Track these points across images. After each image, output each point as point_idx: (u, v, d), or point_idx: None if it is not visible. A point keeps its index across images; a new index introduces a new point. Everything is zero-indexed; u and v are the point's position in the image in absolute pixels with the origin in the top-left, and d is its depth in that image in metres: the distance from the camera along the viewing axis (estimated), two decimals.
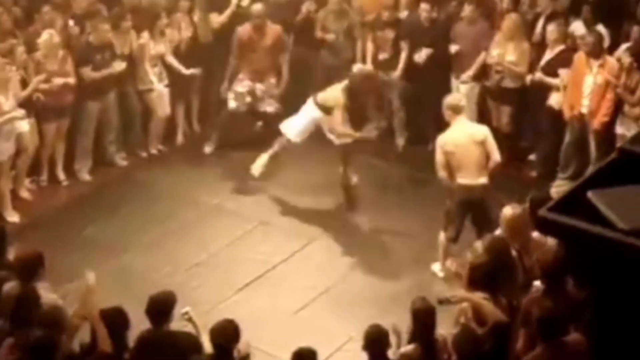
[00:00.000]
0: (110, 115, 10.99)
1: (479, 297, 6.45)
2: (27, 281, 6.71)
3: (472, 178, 8.73)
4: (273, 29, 11.29)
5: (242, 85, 11.25)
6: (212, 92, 11.91)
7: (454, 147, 8.75)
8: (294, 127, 10.21)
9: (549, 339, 5.79)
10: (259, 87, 11.25)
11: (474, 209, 8.82)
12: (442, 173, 8.84)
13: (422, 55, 11.22)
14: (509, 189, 9.58)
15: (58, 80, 10.25)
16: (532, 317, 6.01)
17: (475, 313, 6.40)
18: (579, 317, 5.75)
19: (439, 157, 8.81)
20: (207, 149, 11.58)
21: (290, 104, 10.98)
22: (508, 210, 7.43)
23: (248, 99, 11.25)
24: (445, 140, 8.81)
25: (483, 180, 8.78)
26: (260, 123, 11.75)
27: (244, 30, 11.26)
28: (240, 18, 11.59)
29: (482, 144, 8.82)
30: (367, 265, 9.38)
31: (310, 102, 10.13)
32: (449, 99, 9.15)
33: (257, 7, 11.21)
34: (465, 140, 8.78)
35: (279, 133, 10.48)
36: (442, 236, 9.02)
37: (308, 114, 10.13)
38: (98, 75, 10.63)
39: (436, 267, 9.15)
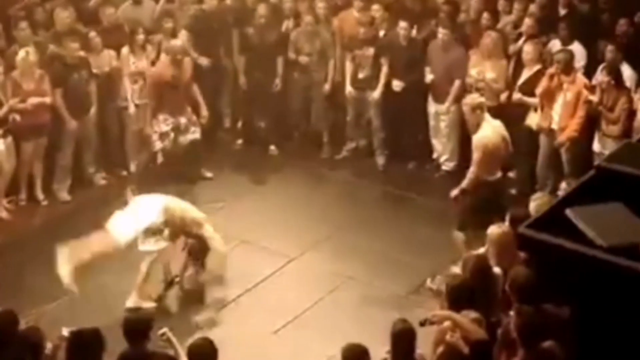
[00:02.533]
0: (89, 134, 10.97)
1: (459, 315, 6.44)
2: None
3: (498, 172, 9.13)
4: (187, 62, 11.11)
5: (166, 123, 11.06)
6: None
7: (493, 144, 8.99)
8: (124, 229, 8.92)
9: (530, 346, 5.76)
10: (181, 119, 11.08)
11: (496, 202, 9.00)
12: (479, 171, 9.02)
13: (399, 84, 11.25)
14: None
15: (33, 100, 10.22)
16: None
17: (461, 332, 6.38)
18: (556, 334, 5.75)
19: (479, 157, 8.96)
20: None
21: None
22: (495, 229, 7.40)
23: (172, 136, 11.08)
24: (489, 139, 8.96)
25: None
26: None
27: (163, 67, 11.00)
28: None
29: (505, 137, 9.14)
30: (347, 284, 9.36)
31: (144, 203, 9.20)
32: (471, 101, 9.28)
33: (177, 42, 11.16)
34: (497, 136, 9.05)
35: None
36: (460, 236, 9.12)
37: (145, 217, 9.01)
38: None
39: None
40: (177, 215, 8.99)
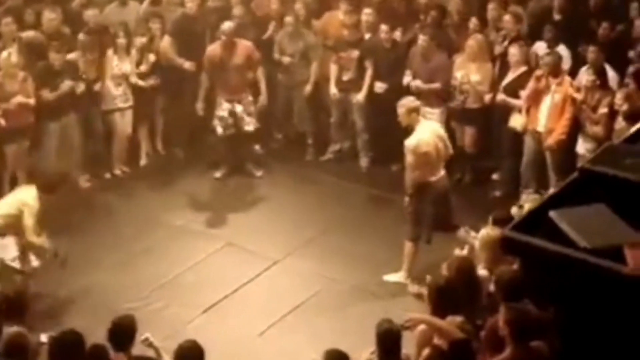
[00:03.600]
0: (71, 136, 10.93)
1: (433, 318, 6.45)
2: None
3: (439, 172, 9.18)
4: (243, 46, 11.23)
5: (222, 109, 11.19)
6: (177, 113, 11.90)
7: (427, 147, 9.01)
8: None
9: (520, 341, 5.76)
10: (238, 107, 11.21)
11: (441, 203, 9.15)
12: (416, 174, 9.06)
13: (381, 86, 11.27)
14: (473, 208, 9.65)
15: (16, 99, 10.19)
16: (497, 337, 6.00)
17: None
18: (543, 334, 5.76)
19: (412, 159, 9.02)
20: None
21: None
22: (486, 232, 7.40)
23: (231, 121, 11.20)
24: (419, 142, 9.00)
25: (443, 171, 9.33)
26: (257, 146, 11.77)
27: (213, 49, 11.24)
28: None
29: (442, 137, 9.26)
30: (331, 286, 9.37)
31: None
32: (407, 103, 9.37)
33: (227, 24, 11.18)
34: (433, 138, 9.11)
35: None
36: (409, 246, 9.19)
37: None
38: (54, 96, 10.56)
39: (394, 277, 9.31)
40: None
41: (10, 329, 6.41)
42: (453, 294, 6.63)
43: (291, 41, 11.70)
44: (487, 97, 10.79)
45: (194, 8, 11.70)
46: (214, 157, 11.71)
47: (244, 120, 11.20)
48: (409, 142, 9.08)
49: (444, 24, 11.53)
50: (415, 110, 9.24)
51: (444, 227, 9.18)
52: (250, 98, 11.31)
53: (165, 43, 11.52)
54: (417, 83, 10.99)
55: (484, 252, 7.31)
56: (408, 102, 9.42)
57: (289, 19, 11.65)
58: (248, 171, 11.56)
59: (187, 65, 11.55)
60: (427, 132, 9.16)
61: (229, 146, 11.48)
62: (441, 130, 9.41)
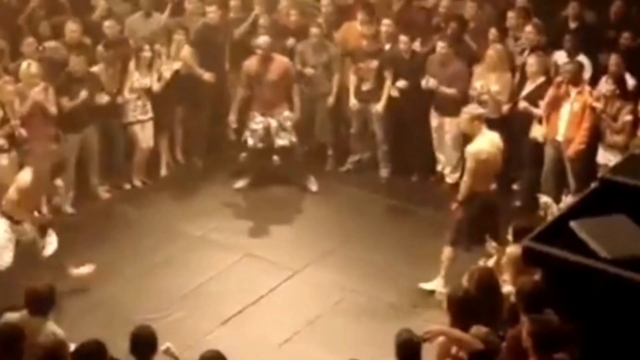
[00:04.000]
0: (91, 147, 10.97)
1: (452, 329, 6.42)
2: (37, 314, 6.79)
3: (491, 184, 9.12)
4: (280, 61, 11.23)
5: (256, 122, 11.18)
6: (196, 124, 11.94)
7: (486, 155, 8.97)
8: None
9: (543, 353, 5.72)
10: (272, 122, 11.18)
11: (489, 215, 9.04)
12: (472, 181, 9.00)
13: (399, 85, 11.25)
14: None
15: (30, 100, 10.18)
16: (519, 347, 5.96)
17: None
18: (566, 346, 5.73)
19: (472, 166, 8.97)
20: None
21: None
22: (512, 249, 7.32)
23: (264, 135, 11.18)
24: (481, 149, 8.97)
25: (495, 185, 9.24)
26: (276, 158, 11.58)
27: (250, 62, 11.21)
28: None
29: (500, 149, 9.14)
30: (351, 296, 9.35)
31: None
32: (470, 110, 9.32)
33: (263, 39, 11.19)
34: (492, 148, 9.05)
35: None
36: (448, 251, 9.12)
37: None
38: (72, 104, 10.59)
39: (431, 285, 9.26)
40: None
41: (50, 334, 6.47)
42: (472, 304, 6.60)
43: (315, 53, 11.69)
44: (505, 108, 10.75)
45: (216, 18, 11.74)
46: (237, 167, 11.70)
47: (279, 135, 11.19)
48: (471, 148, 9.04)
49: (464, 34, 11.52)
50: (478, 118, 9.15)
51: (484, 240, 9.05)
52: (287, 113, 11.25)
53: (186, 52, 11.55)
54: (434, 83, 10.96)
55: (509, 269, 7.29)
56: (471, 109, 9.39)
57: (314, 30, 11.64)
58: (303, 185, 11.50)
59: (207, 76, 11.57)
60: (488, 141, 9.09)
61: (254, 159, 11.44)
62: (500, 142, 9.27)
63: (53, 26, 11.60)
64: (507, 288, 7.11)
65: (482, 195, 9.03)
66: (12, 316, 6.87)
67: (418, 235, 10.29)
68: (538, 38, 10.99)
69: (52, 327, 6.77)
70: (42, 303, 6.86)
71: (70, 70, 10.69)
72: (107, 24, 11.42)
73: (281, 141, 11.18)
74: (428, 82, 10.99)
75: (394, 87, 11.31)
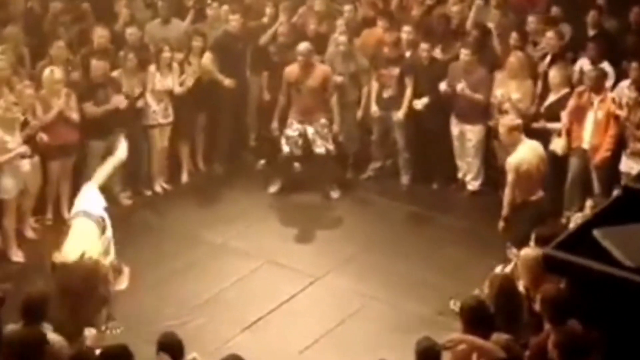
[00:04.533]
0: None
1: (474, 337, 6.38)
2: (33, 323, 6.69)
3: (539, 192, 9.13)
4: (321, 69, 11.24)
5: (292, 129, 11.18)
6: (218, 131, 11.97)
7: (528, 165, 8.98)
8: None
9: None
10: (309, 129, 11.20)
11: (539, 222, 8.90)
12: (515, 193, 9.03)
13: (422, 102, 11.25)
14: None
15: (55, 110, 10.23)
16: (543, 356, 5.92)
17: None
18: (592, 355, 5.69)
19: (513, 178, 8.99)
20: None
21: None
22: (526, 251, 7.31)
23: (300, 143, 11.20)
24: (522, 161, 8.97)
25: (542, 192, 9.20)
26: (297, 164, 11.63)
27: (291, 69, 11.22)
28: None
29: (542, 157, 9.18)
30: (372, 304, 9.34)
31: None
32: (507, 121, 9.32)
33: (303, 45, 11.17)
34: (534, 157, 9.06)
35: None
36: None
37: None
38: (99, 111, 10.66)
39: None
40: None
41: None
42: (486, 312, 6.56)
43: (343, 61, 11.67)
44: (532, 107, 10.68)
45: (237, 26, 11.77)
46: (258, 176, 11.70)
47: (315, 143, 11.19)
48: (511, 160, 9.04)
49: (487, 41, 11.49)
50: (516, 129, 9.17)
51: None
52: (323, 120, 11.25)
53: (207, 60, 11.59)
54: (463, 86, 10.94)
55: (523, 271, 7.25)
56: (508, 120, 9.39)
57: (342, 38, 11.64)
58: (325, 193, 11.50)
59: (227, 82, 11.60)
60: (529, 150, 9.09)
61: (286, 165, 11.47)
62: (541, 149, 9.30)
63: (80, 32, 11.68)
64: (522, 290, 7.10)
65: (532, 203, 9.04)
66: (12, 327, 6.75)
67: (439, 243, 10.27)
68: (560, 44, 10.95)
69: (50, 336, 6.66)
70: (36, 310, 6.77)
71: (91, 75, 10.74)
72: (129, 30, 11.47)
73: (318, 149, 11.19)
74: (456, 86, 10.96)
75: (417, 102, 11.28)
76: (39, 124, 10.12)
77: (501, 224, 9.14)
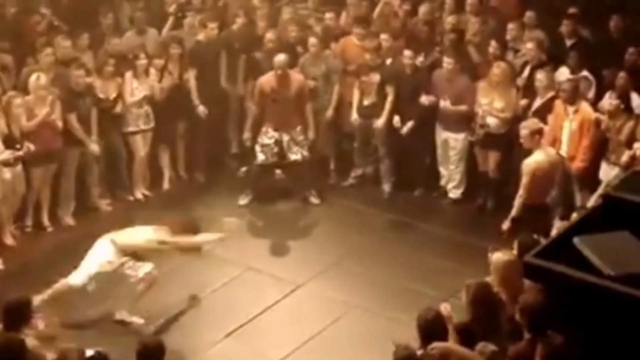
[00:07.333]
0: (91, 158, 10.96)
1: (456, 345, 6.37)
2: (12, 329, 6.64)
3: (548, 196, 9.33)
4: (296, 79, 11.25)
5: (268, 137, 11.20)
6: (197, 139, 11.94)
7: (542, 171, 9.08)
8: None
9: None
10: (285, 136, 11.21)
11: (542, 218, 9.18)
12: (528, 196, 9.11)
13: (407, 126, 11.27)
14: (497, 233, 9.58)
15: (37, 119, 10.20)
16: None
17: None
18: None
19: (527, 181, 9.08)
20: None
21: None
22: (501, 257, 7.31)
23: (275, 150, 11.21)
24: (538, 165, 9.07)
25: None
26: (278, 171, 11.65)
27: (267, 80, 11.21)
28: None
29: (556, 163, 9.32)
30: (353, 312, 9.33)
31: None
32: (530, 125, 9.35)
33: (280, 57, 11.14)
34: (549, 162, 9.17)
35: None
36: None
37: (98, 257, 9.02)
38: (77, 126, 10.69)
39: None
40: (136, 244, 9.04)
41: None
42: (441, 328, 6.50)
43: (314, 64, 11.70)
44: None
45: (209, 36, 11.77)
46: (239, 183, 11.69)
47: (291, 149, 11.20)
48: (528, 163, 9.11)
49: (464, 47, 11.50)
50: (538, 132, 9.24)
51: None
52: (299, 128, 11.27)
53: (192, 78, 11.62)
54: (447, 104, 10.97)
55: (493, 274, 7.26)
56: (531, 124, 9.41)
57: (312, 40, 11.66)
58: (305, 199, 11.50)
59: (200, 109, 11.65)
60: (545, 155, 9.17)
61: (260, 174, 11.45)
62: (555, 155, 9.43)
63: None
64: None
65: (543, 206, 9.20)
66: None
67: (420, 251, 10.27)
68: (539, 55, 10.95)
69: (31, 342, 6.57)
70: (15, 316, 6.71)
71: (72, 85, 10.70)
72: (114, 41, 11.55)
73: (294, 156, 11.20)
74: (440, 98, 11.02)
75: (399, 123, 11.30)
76: (26, 127, 10.10)
77: (507, 224, 9.18)
